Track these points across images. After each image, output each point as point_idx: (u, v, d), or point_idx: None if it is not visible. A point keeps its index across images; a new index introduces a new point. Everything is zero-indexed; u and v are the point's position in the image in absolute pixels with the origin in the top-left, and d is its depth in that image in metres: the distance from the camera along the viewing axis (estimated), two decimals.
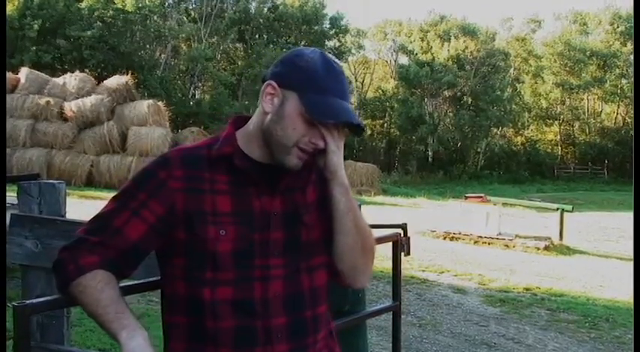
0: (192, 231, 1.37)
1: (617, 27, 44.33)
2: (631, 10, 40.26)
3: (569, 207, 13.02)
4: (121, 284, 1.43)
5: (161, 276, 1.46)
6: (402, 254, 2.81)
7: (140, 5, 29.02)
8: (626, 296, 7.38)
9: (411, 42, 46.28)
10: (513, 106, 44.11)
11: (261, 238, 1.39)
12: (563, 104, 45.32)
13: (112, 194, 1.52)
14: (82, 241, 1.40)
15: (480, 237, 11.29)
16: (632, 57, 41.07)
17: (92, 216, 1.46)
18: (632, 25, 39.01)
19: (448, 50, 42.55)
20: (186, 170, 1.39)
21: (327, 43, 40.62)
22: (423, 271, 8.54)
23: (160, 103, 21.05)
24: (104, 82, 21.34)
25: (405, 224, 3.13)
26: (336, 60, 1.46)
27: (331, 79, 1.39)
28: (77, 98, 20.00)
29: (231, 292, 1.37)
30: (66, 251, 1.39)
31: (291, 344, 1.41)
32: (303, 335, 1.43)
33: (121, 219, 1.39)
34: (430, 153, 42.07)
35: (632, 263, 8.87)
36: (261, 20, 38.43)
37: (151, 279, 1.56)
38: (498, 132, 45.21)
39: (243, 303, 1.37)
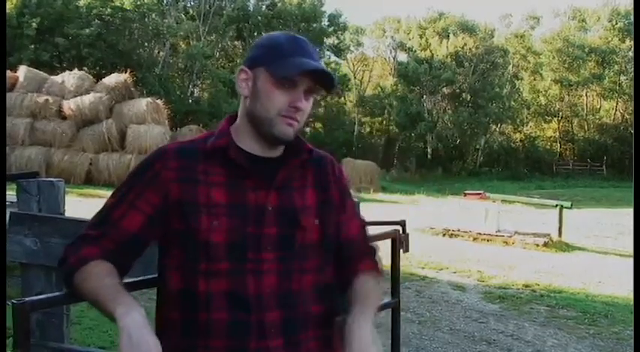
0: (186, 221, 1.38)
1: (616, 23, 44.26)
2: (629, 7, 40.31)
3: (568, 204, 13.03)
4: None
5: (158, 269, 1.47)
6: (401, 251, 2.82)
7: (138, 3, 28.92)
8: (625, 292, 7.40)
9: (409, 39, 46.24)
10: (512, 103, 44.07)
11: (254, 232, 1.40)
12: (562, 101, 45.26)
13: (110, 192, 1.53)
14: (83, 236, 1.44)
15: (479, 233, 11.29)
16: (630, 53, 41.08)
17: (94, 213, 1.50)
18: (631, 21, 39.07)
19: (447, 47, 42.51)
20: (181, 161, 1.42)
21: (325, 40, 40.59)
22: (422, 268, 8.55)
23: (158, 101, 21.01)
24: (103, 80, 21.26)
25: (404, 221, 3.14)
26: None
27: (294, 45, 1.43)
28: (76, 96, 19.95)
29: (225, 284, 1.37)
30: (69, 247, 1.44)
31: (284, 339, 1.41)
32: (296, 331, 1.43)
33: (119, 211, 1.43)
34: (429, 150, 42.08)
35: (631, 259, 8.89)
36: (259, 18, 38.38)
37: (149, 277, 1.56)
38: (497, 129, 45.19)
39: (238, 296, 1.38)
